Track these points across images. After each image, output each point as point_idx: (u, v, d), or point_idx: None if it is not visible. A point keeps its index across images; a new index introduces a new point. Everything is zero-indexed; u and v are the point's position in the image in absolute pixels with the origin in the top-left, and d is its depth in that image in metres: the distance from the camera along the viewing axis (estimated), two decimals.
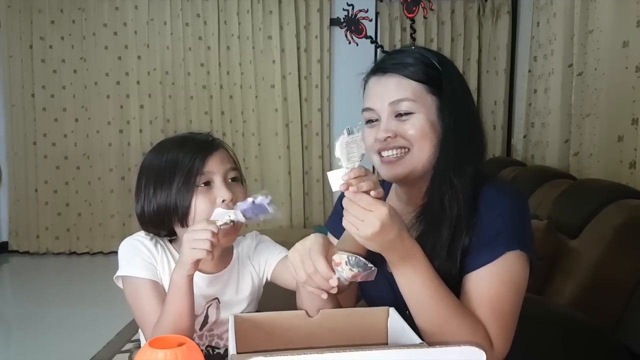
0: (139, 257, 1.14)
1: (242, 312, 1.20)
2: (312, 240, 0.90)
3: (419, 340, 0.82)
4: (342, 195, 1.23)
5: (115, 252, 1.20)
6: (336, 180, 0.87)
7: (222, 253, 1.21)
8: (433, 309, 0.91)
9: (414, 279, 0.90)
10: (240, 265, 1.23)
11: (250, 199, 1.01)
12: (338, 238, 1.15)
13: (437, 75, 1.03)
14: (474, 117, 1.08)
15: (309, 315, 0.94)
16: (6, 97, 4.73)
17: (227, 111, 4.76)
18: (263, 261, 1.24)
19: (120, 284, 1.16)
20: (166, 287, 1.13)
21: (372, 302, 1.13)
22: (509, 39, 4.48)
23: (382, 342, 0.95)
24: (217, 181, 1.09)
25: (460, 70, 1.19)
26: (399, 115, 1.03)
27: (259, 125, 4.75)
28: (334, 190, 0.88)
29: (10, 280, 4.49)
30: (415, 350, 0.74)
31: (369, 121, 1.07)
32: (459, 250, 0.98)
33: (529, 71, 3.97)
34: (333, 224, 1.20)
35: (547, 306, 1.72)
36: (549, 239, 2.00)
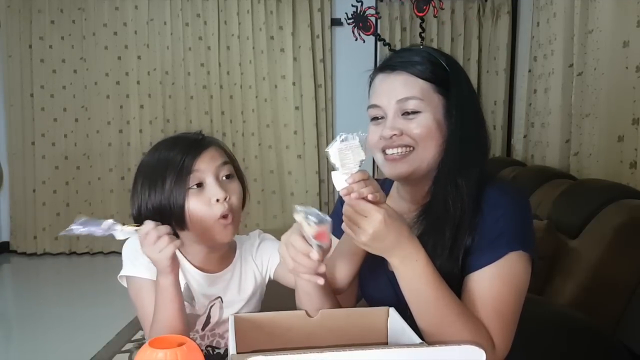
0: (142, 258, 1.12)
1: (245, 311, 1.21)
2: (293, 227, 0.92)
3: (419, 340, 0.82)
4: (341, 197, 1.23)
5: (116, 252, 1.21)
6: (339, 180, 0.87)
7: (225, 252, 1.21)
8: (435, 310, 0.90)
9: (416, 280, 0.90)
10: (243, 263, 1.23)
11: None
12: (339, 238, 1.15)
13: (445, 75, 1.03)
14: (479, 118, 1.07)
15: (309, 315, 0.94)
16: (5, 97, 4.73)
17: (227, 111, 4.76)
18: (266, 259, 1.24)
19: (124, 283, 1.16)
20: None
21: (372, 302, 1.13)
22: (509, 39, 4.48)
23: (382, 342, 0.95)
24: (209, 180, 1.09)
25: None
26: (405, 113, 1.02)
27: (259, 125, 4.75)
28: (337, 189, 0.88)
29: (11, 281, 4.49)
30: (415, 350, 0.74)
31: (374, 118, 1.06)
32: (461, 251, 0.98)
33: (529, 71, 3.97)
34: (333, 224, 1.19)
35: (547, 306, 1.72)
36: (549, 239, 2.00)
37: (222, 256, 1.20)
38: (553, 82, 3.48)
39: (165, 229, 1.00)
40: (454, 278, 0.96)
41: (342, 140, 0.87)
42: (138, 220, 1.11)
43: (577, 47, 3.08)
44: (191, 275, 1.17)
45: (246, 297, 1.21)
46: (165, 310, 1.03)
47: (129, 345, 2.86)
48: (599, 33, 2.82)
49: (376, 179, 1.15)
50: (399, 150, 1.02)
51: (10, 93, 4.72)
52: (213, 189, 1.08)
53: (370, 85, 1.10)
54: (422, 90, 1.02)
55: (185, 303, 1.10)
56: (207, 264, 1.17)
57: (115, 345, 2.89)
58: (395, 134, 1.01)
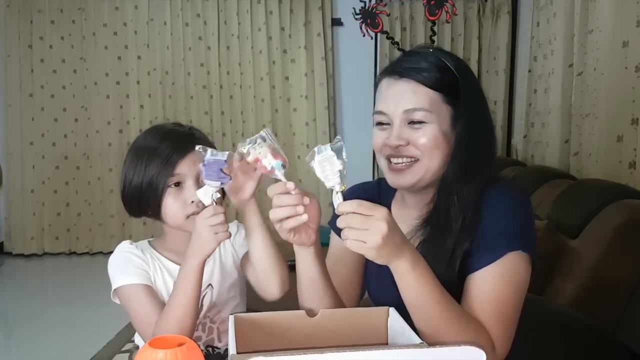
0: (132, 265, 1.16)
1: (233, 294, 1.24)
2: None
3: (419, 340, 0.82)
4: (345, 195, 1.22)
5: None
6: (335, 200, 0.88)
7: None
8: (438, 314, 0.90)
9: (421, 287, 0.89)
10: (222, 249, 1.24)
11: (200, 166, 0.98)
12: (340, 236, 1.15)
13: (454, 83, 1.01)
14: (487, 126, 1.06)
15: (309, 315, 0.94)
16: (4, 97, 4.72)
17: (227, 111, 4.76)
18: (238, 244, 1.25)
19: (117, 300, 1.18)
20: (160, 292, 1.16)
21: (378, 302, 1.13)
22: (509, 39, 4.48)
23: (382, 342, 0.95)
24: (188, 183, 1.13)
25: None
26: (411, 122, 1.00)
27: (259, 125, 4.75)
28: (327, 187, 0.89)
29: (10, 281, 4.48)
30: (415, 350, 0.74)
31: (379, 123, 1.05)
32: (458, 259, 0.98)
33: (529, 71, 3.98)
34: (335, 223, 1.19)
35: (547, 306, 1.72)
36: (549, 239, 2.00)
37: None
38: (553, 82, 3.48)
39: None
40: (450, 285, 0.95)
41: (318, 153, 0.88)
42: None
43: (577, 47, 3.09)
44: (174, 273, 1.18)
45: (232, 283, 1.24)
46: (186, 294, 1.04)
47: (129, 345, 2.87)
48: (598, 33, 2.82)
49: (380, 178, 1.15)
50: (404, 160, 1.02)
51: (10, 93, 4.71)
52: (190, 191, 1.12)
53: (376, 87, 1.08)
54: (430, 101, 1.00)
55: None
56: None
57: (115, 345, 2.89)
58: (401, 144, 1.00)
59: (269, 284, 1.12)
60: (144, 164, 1.13)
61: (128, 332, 3.02)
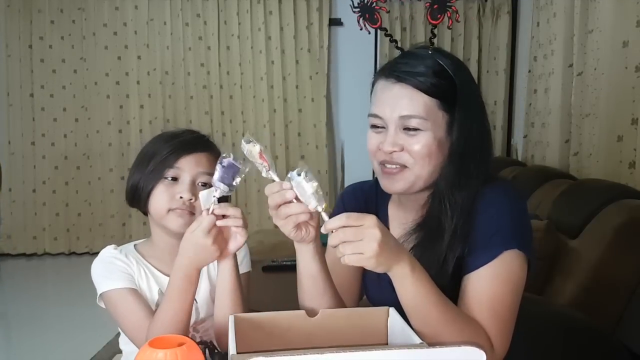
0: (116, 270, 1.16)
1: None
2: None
3: (419, 340, 0.82)
4: (344, 194, 1.22)
5: None
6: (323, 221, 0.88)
7: None
8: (437, 315, 0.90)
9: (420, 289, 0.89)
10: (212, 263, 1.23)
11: (218, 165, 1.00)
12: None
13: (452, 88, 0.99)
14: (484, 133, 1.05)
15: (309, 315, 0.94)
16: (5, 97, 4.72)
17: (227, 111, 4.76)
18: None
19: (103, 305, 1.18)
20: (145, 295, 1.16)
21: (376, 303, 1.13)
22: (509, 39, 4.48)
23: (382, 342, 0.95)
24: (184, 179, 1.13)
25: None
26: (406, 128, 1.00)
27: (259, 125, 4.75)
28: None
29: (11, 281, 4.48)
30: (415, 350, 0.74)
31: (374, 126, 1.04)
32: (451, 264, 0.98)
33: (529, 71, 3.98)
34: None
35: (547, 306, 1.72)
36: (549, 239, 2.00)
37: None
38: (553, 82, 3.48)
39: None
40: (444, 289, 0.95)
41: (291, 180, 0.89)
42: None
43: (577, 47, 3.08)
44: (162, 283, 1.18)
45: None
46: (180, 300, 1.03)
47: None
48: (599, 33, 2.82)
49: (377, 178, 1.15)
50: (396, 165, 1.01)
51: (10, 93, 4.71)
52: (183, 187, 1.13)
53: (372, 88, 1.07)
54: (426, 108, 0.98)
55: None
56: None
57: (115, 345, 2.88)
58: (395, 151, 1.00)
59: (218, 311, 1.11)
60: (145, 163, 1.15)
61: None
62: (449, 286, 0.97)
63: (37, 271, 4.57)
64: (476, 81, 1.21)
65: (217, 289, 1.08)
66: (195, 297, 1.19)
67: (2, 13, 4.65)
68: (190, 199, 1.12)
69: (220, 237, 1.02)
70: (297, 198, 0.90)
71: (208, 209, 1.00)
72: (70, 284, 4.27)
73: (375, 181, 1.19)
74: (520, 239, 0.98)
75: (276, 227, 0.95)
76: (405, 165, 1.00)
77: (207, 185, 1.14)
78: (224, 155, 1.01)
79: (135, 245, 1.24)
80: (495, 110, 4.56)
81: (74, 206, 4.84)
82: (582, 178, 2.75)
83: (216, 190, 1.00)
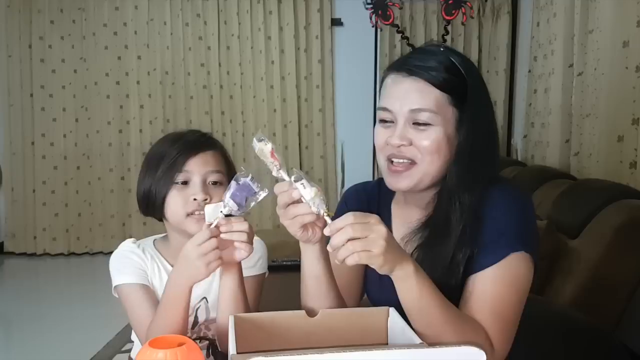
0: (130, 264, 1.17)
1: None
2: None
3: (419, 340, 0.82)
4: (346, 195, 1.22)
5: None
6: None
7: None
8: (439, 316, 0.89)
9: (424, 290, 0.88)
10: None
11: (233, 182, 0.98)
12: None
13: (462, 85, 0.99)
14: (492, 132, 1.05)
15: (309, 315, 0.94)
16: (5, 97, 4.73)
17: (227, 111, 4.76)
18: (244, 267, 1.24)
19: (117, 295, 1.19)
20: (157, 291, 1.17)
21: (376, 304, 1.12)
22: (509, 39, 4.48)
23: (382, 342, 0.95)
24: (195, 180, 1.14)
25: None
26: (416, 123, 0.98)
27: (259, 125, 4.75)
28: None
29: (10, 281, 4.48)
30: (415, 350, 0.74)
31: (382, 120, 1.03)
32: (462, 263, 0.97)
33: (529, 71, 3.97)
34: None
35: (547, 306, 1.72)
36: (549, 239, 2.00)
37: None
38: (553, 82, 3.48)
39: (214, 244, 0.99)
40: (451, 289, 0.95)
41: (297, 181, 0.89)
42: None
43: (577, 47, 3.08)
44: None
45: None
46: (173, 312, 1.03)
47: (129, 345, 2.85)
48: (599, 33, 2.82)
49: (380, 178, 1.14)
50: (403, 160, 1.00)
51: (10, 93, 4.71)
52: (195, 188, 1.13)
53: (381, 83, 1.06)
54: (437, 102, 0.98)
55: None
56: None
57: (115, 345, 2.89)
58: (403, 144, 0.99)
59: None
60: (154, 167, 1.15)
61: (128, 332, 3.01)
62: (458, 288, 0.97)
63: (36, 271, 4.57)
64: None
65: (219, 295, 1.09)
66: (207, 296, 1.20)
67: (2, 13, 4.65)
68: (205, 199, 1.12)
69: (223, 248, 1.00)
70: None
71: (211, 224, 0.99)
72: (70, 284, 4.28)
73: (378, 181, 1.19)
74: (527, 241, 0.98)
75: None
76: (414, 161, 0.99)
77: (217, 183, 1.15)
78: (242, 172, 0.99)
79: (154, 241, 1.25)
80: (495, 110, 4.53)
81: (74, 206, 4.83)
82: (582, 178, 2.75)
83: (225, 207, 0.98)
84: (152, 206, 1.16)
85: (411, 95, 0.99)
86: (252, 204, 0.99)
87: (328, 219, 0.87)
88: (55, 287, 4.25)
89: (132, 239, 1.24)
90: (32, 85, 4.71)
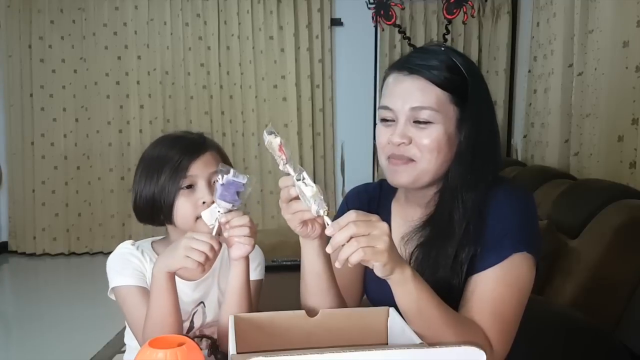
0: (129, 266, 1.17)
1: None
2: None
3: (419, 340, 0.82)
4: (347, 196, 1.22)
5: None
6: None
7: None
8: (438, 318, 0.88)
9: (422, 293, 0.88)
10: (224, 266, 1.22)
11: (216, 184, 1.00)
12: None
13: (463, 85, 0.99)
14: (493, 131, 1.05)
15: (309, 315, 0.94)
16: (5, 97, 4.73)
17: (227, 111, 4.76)
18: None
19: (113, 297, 1.18)
20: None
21: (375, 304, 1.12)
22: (509, 39, 4.48)
23: (382, 342, 0.95)
24: (200, 184, 1.14)
25: None
26: (417, 122, 0.99)
27: (259, 125, 4.75)
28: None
29: (10, 281, 4.49)
30: (415, 350, 0.74)
31: (384, 119, 1.03)
32: (465, 263, 0.97)
33: (529, 71, 3.97)
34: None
35: (547, 306, 1.72)
36: (549, 239, 2.00)
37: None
38: (553, 82, 3.48)
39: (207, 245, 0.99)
40: (452, 289, 0.95)
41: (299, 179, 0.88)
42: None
43: (577, 47, 3.08)
44: None
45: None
46: (159, 304, 1.03)
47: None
48: (599, 33, 2.82)
49: (381, 180, 1.14)
50: (403, 159, 1.00)
51: (10, 93, 4.71)
52: (202, 192, 1.13)
53: (383, 82, 1.07)
54: (438, 100, 0.98)
55: None
56: (189, 271, 1.17)
57: (115, 345, 2.89)
58: (403, 142, 0.99)
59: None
60: (156, 173, 1.14)
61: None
62: (458, 286, 0.97)
63: (36, 271, 4.56)
64: None
65: (225, 291, 1.09)
66: (204, 300, 1.20)
67: (2, 13, 4.65)
68: (213, 201, 1.11)
69: (229, 246, 1.01)
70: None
71: (213, 227, 1.00)
72: (70, 284, 4.27)
73: (379, 182, 1.19)
74: (530, 242, 0.97)
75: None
76: (412, 159, 0.99)
77: None
78: (221, 170, 1.00)
79: (152, 243, 1.25)
80: (495, 110, 4.54)
81: (74, 206, 4.84)
82: (582, 178, 2.75)
83: (215, 207, 0.99)
84: (158, 213, 1.15)
85: (412, 94, 0.99)
86: (247, 193, 1.00)
87: (327, 219, 0.87)
88: (55, 287, 4.25)
89: (130, 241, 1.23)
90: (32, 85, 4.71)
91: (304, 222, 0.92)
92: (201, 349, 0.98)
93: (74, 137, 4.78)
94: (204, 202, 1.12)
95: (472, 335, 0.91)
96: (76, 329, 3.20)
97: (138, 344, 1.14)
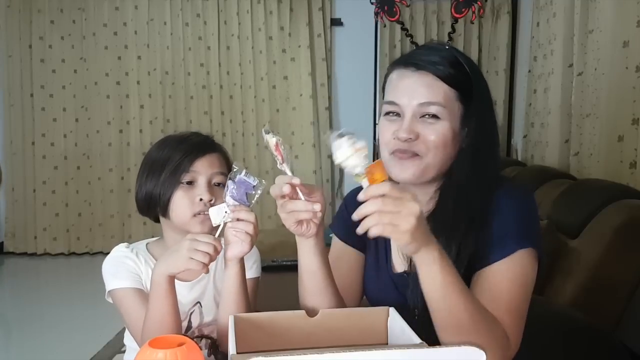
0: (124, 269, 1.18)
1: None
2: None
3: (418, 341, 0.82)
4: (346, 198, 1.21)
5: None
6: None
7: None
8: (464, 306, 0.87)
9: (448, 276, 0.86)
10: (219, 267, 1.23)
11: (229, 181, 1.00)
12: (342, 239, 1.15)
13: (467, 82, 1.00)
14: (494, 130, 1.06)
15: (309, 315, 0.94)
16: (5, 97, 4.73)
17: (227, 111, 4.76)
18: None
19: (110, 300, 1.19)
20: None
21: (374, 304, 1.12)
22: (509, 39, 4.48)
23: (382, 342, 0.95)
24: (200, 181, 1.15)
25: None
26: (424, 116, 0.98)
27: (259, 125, 4.75)
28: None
29: (10, 281, 4.49)
30: (415, 350, 0.74)
31: (388, 113, 1.02)
32: (465, 260, 0.97)
33: (529, 71, 3.97)
34: (338, 225, 1.19)
35: (547, 306, 1.72)
36: (549, 239, 2.00)
37: None
38: (553, 82, 3.48)
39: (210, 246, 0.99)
40: None
41: (332, 141, 0.85)
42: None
43: (577, 47, 3.08)
44: None
45: None
46: (158, 305, 1.03)
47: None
48: (599, 33, 2.82)
49: None
50: (409, 153, 1.00)
51: (11, 93, 4.71)
52: (201, 189, 1.14)
53: (385, 79, 1.06)
54: (445, 96, 0.98)
55: None
56: (185, 272, 1.17)
57: (115, 345, 2.89)
58: (410, 138, 0.98)
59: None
60: (160, 166, 1.16)
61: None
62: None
63: (36, 271, 4.57)
64: None
65: (222, 292, 1.09)
66: (201, 300, 1.20)
67: (2, 13, 4.66)
68: (210, 200, 1.13)
69: (202, 256, 0.99)
70: (296, 196, 0.91)
71: (219, 226, 1.00)
72: (70, 284, 4.27)
73: None
74: (534, 238, 0.98)
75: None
76: (417, 154, 0.99)
77: (221, 185, 1.16)
78: (235, 169, 1.00)
79: (147, 244, 1.25)
80: (495, 110, 4.54)
81: (74, 206, 4.84)
82: (582, 178, 2.75)
83: (225, 206, 1.00)
84: (154, 206, 1.17)
85: (420, 89, 0.99)
86: (256, 196, 1.01)
87: (364, 182, 0.84)
88: (55, 287, 4.25)
89: (124, 244, 1.24)
90: (32, 85, 4.71)
91: (299, 221, 0.93)
92: (201, 349, 0.98)
93: (74, 137, 4.79)
94: (201, 199, 1.13)
95: (493, 333, 0.90)
96: (76, 329, 3.20)
97: (137, 345, 1.14)
